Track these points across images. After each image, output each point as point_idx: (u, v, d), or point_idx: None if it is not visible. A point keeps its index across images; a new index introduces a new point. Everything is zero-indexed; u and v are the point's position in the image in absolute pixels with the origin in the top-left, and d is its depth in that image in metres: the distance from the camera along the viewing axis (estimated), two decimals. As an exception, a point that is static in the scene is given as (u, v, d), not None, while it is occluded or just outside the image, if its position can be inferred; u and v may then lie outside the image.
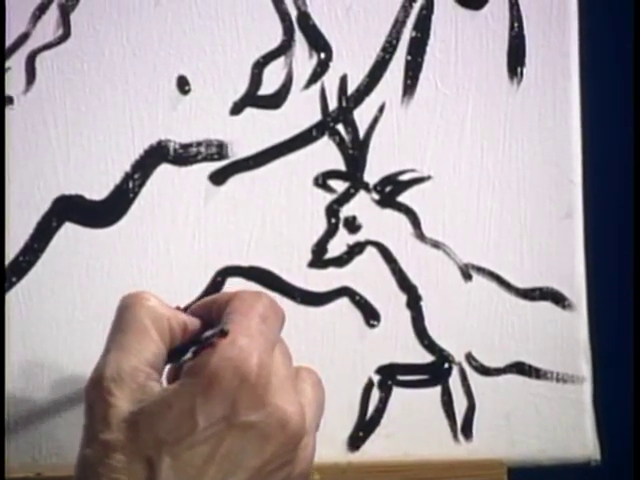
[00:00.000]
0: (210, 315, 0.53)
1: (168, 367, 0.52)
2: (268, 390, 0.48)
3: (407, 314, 0.62)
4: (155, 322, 0.51)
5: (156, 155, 0.60)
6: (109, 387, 0.48)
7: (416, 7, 0.61)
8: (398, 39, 0.61)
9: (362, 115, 0.61)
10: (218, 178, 0.61)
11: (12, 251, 0.60)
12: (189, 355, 0.50)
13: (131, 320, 0.51)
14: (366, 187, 0.61)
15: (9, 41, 0.59)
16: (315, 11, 0.61)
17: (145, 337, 0.50)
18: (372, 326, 0.61)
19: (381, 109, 0.61)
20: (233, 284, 0.61)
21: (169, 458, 0.46)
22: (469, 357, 0.62)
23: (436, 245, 0.62)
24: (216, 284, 0.60)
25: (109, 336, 0.51)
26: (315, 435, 0.51)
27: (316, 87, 0.61)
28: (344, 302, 0.61)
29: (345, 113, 0.61)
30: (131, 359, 0.49)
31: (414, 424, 0.61)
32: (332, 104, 0.61)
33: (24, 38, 0.59)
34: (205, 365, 0.48)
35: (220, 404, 0.47)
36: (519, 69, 0.62)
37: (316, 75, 0.61)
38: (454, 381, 0.62)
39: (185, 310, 0.55)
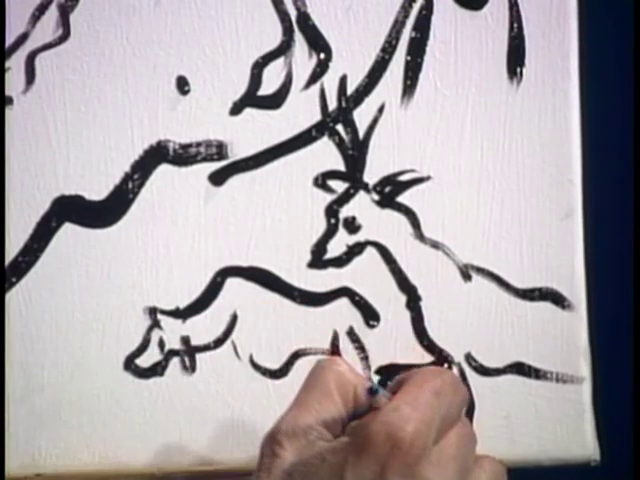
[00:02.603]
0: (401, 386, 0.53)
1: None
2: (421, 462, 0.48)
3: (407, 314, 0.62)
4: (340, 386, 0.52)
5: (156, 155, 0.60)
6: (281, 440, 0.50)
7: (416, 7, 0.61)
8: (398, 39, 0.61)
9: (362, 115, 0.61)
10: (218, 178, 0.61)
11: (12, 251, 0.60)
12: None
13: (317, 381, 0.52)
14: (366, 187, 0.61)
15: (9, 41, 0.59)
16: (315, 11, 0.61)
17: (327, 399, 0.52)
18: (372, 326, 0.61)
19: (381, 109, 0.61)
20: (233, 284, 0.61)
21: None
22: (469, 357, 0.62)
23: (436, 245, 0.62)
24: (216, 284, 0.61)
25: (297, 394, 0.53)
26: None
27: (316, 87, 0.61)
28: (343, 302, 0.61)
29: (345, 113, 0.61)
30: (308, 417, 0.51)
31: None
32: (332, 104, 0.61)
33: (24, 38, 0.59)
34: (362, 427, 0.48)
35: (370, 466, 0.47)
36: (519, 69, 0.62)
37: (316, 75, 0.61)
38: (454, 381, 0.62)
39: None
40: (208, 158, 0.61)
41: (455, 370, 0.62)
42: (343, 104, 0.61)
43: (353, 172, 0.61)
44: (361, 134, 0.61)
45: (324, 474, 0.48)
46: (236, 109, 0.61)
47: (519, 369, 0.62)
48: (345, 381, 0.52)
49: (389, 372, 0.61)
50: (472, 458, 0.51)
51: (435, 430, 0.49)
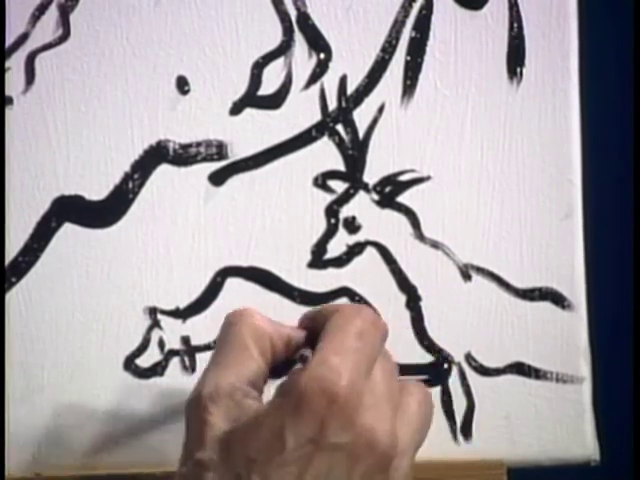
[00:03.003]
0: (315, 326, 0.52)
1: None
2: (358, 410, 0.47)
3: (407, 314, 0.62)
4: (256, 339, 0.51)
5: (156, 155, 0.60)
6: (206, 405, 0.48)
7: (415, 7, 0.61)
8: (398, 39, 0.61)
9: (362, 115, 0.61)
10: (218, 178, 0.61)
11: (12, 251, 0.60)
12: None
13: (232, 338, 0.51)
14: (366, 187, 0.61)
15: (9, 41, 0.59)
16: (315, 11, 0.61)
17: (245, 355, 0.50)
18: (372, 326, 0.61)
19: (381, 109, 0.61)
20: (233, 284, 0.61)
21: (258, 477, 0.46)
22: (469, 357, 0.62)
23: (436, 245, 0.62)
24: (216, 284, 0.61)
25: (212, 354, 0.52)
26: (413, 454, 0.50)
27: (316, 87, 0.61)
28: (344, 302, 0.61)
29: (345, 113, 0.61)
30: (229, 377, 0.49)
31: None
32: (332, 104, 0.61)
33: (24, 38, 0.59)
34: (294, 385, 0.47)
35: (308, 425, 0.47)
36: (519, 69, 0.62)
37: (316, 75, 0.61)
38: (453, 381, 0.62)
39: None
40: (208, 158, 0.61)
41: (455, 370, 0.62)
42: (343, 104, 0.61)
43: (353, 172, 0.61)
44: (361, 134, 0.61)
45: (263, 438, 0.47)
46: (236, 109, 0.61)
47: (519, 369, 0.62)
48: (260, 333, 0.51)
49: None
50: (398, 388, 0.51)
51: (364, 373, 0.48)
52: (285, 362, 0.52)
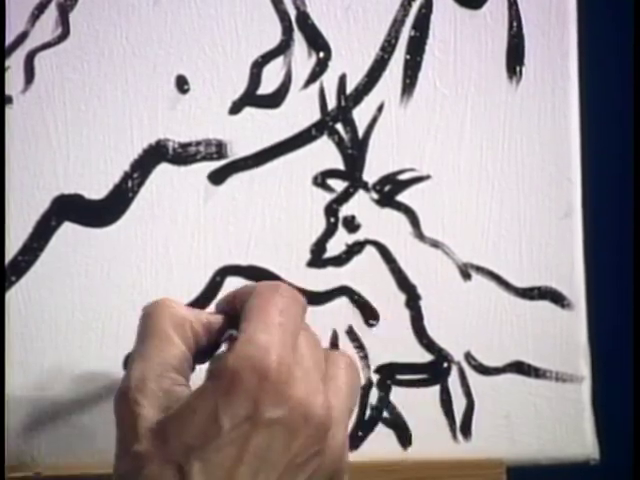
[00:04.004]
0: (234, 309, 0.52)
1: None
2: (290, 384, 0.48)
3: (406, 313, 0.62)
4: (177, 327, 0.51)
5: (155, 154, 0.60)
6: (135, 397, 0.48)
7: (415, 6, 0.61)
8: (397, 38, 0.61)
9: (361, 114, 0.61)
10: (217, 177, 0.61)
11: (11, 250, 0.60)
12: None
13: (152, 328, 0.51)
14: (365, 186, 0.61)
15: (8, 40, 0.59)
16: (314, 11, 0.61)
17: (167, 343, 0.50)
18: (371, 325, 0.61)
19: (380, 108, 0.61)
20: (232, 283, 0.61)
21: (198, 463, 0.46)
22: (468, 356, 0.62)
23: (435, 244, 0.62)
24: (215, 283, 0.61)
25: (134, 347, 0.51)
26: (347, 421, 0.51)
27: (315, 86, 0.61)
28: (343, 301, 0.61)
29: (344, 112, 0.61)
30: (155, 367, 0.49)
31: (413, 423, 0.61)
32: (331, 103, 0.61)
33: (23, 37, 0.59)
34: (224, 366, 0.47)
35: (242, 404, 0.47)
36: (518, 68, 0.62)
37: (315, 74, 0.61)
38: (453, 380, 0.62)
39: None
40: (208, 157, 0.61)
41: (454, 369, 0.62)
42: (342, 103, 0.61)
43: (352, 171, 0.61)
44: (360, 133, 0.61)
45: (198, 423, 0.47)
46: (235, 108, 0.61)
47: (519, 368, 0.62)
48: (180, 320, 0.51)
49: (388, 371, 0.62)
50: (323, 359, 0.51)
51: (291, 347, 0.49)
52: (208, 346, 0.52)
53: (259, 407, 0.47)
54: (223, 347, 0.51)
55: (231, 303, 0.53)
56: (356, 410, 0.61)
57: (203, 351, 0.52)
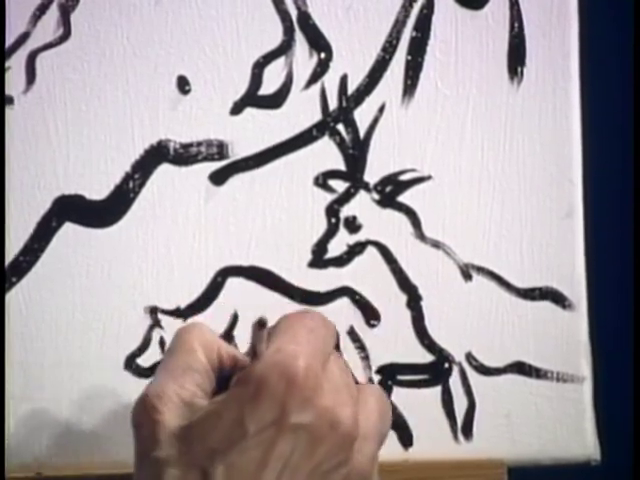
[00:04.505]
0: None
1: None
2: (317, 392, 0.48)
3: (407, 314, 0.62)
4: (204, 346, 0.51)
5: (156, 155, 0.60)
6: (154, 405, 0.48)
7: (416, 7, 0.61)
8: (398, 39, 0.61)
9: (362, 115, 0.61)
10: (218, 178, 0.61)
11: (12, 251, 0.60)
12: None
13: (181, 344, 0.51)
14: (366, 187, 0.61)
15: (9, 41, 0.59)
16: (315, 11, 0.61)
17: (192, 358, 0.50)
18: (372, 326, 0.61)
19: (381, 109, 0.61)
20: (233, 284, 0.61)
21: (222, 466, 0.46)
22: (469, 357, 0.62)
23: (436, 245, 0.62)
24: (216, 284, 0.61)
25: (160, 361, 0.52)
26: (376, 441, 0.51)
27: (316, 87, 0.61)
28: (344, 302, 0.61)
29: (345, 113, 0.61)
30: (177, 378, 0.49)
31: (414, 424, 0.61)
32: (332, 104, 0.61)
33: (24, 38, 0.59)
34: (251, 373, 0.48)
35: (269, 409, 0.47)
36: (519, 69, 0.62)
37: (316, 75, 0.61)
38: (454, 381, 0.62)
39: None
40: (209, 158, 0.61)
41: (456, 370, 0.62)
42: (344, 104, 0.61)
43: (354, 172, 0.61)
44: (362, 134, 0.61)
45: (223, 428, 0.47)
46: (237, 109, 0.61)
47: (520, 368, 0.62)
48: (208, 340, 0.51)
49: (389, 372, 0.62)
50: (354, 386, 0.51)
51: (320, 361, 0.49)
52: (230, 379, 0.51)
53: (285, 412, 0.47)
54: None
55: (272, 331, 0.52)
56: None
57: (226, 380, 0.51)
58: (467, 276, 0.62)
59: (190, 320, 0.60)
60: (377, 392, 0.52)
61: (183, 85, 0.60)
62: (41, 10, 0.59)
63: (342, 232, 0.61)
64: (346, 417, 0.48)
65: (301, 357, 0.48)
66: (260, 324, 0.49)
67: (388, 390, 0.61)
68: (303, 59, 0.61)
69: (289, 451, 0.47)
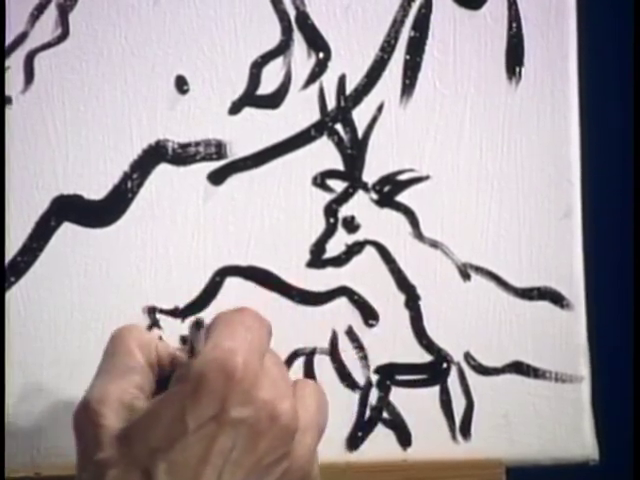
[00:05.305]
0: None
1: None
2: (256, 386, 0.48)
3: (406, 314, 0.62)
4: (142, 347, 0.51)
5: (155, 155, 0.60)
6: (96, 409, 0.48)
7: (415, 7, 0.61)
8: (397, 39, 0.61)
9: (361, 115, 0.61)
10: (217, 178, 0.61)
11: (11, 251, 0.60)
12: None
13: (118, 346, 0.51)
14: (365, 187, 0.61)
15: (8, 40, 0.59)
16: (314, 11, 0.61)
17: (131, 360, 0.51)
18: (371, 326, 0.61)
19: (380, 109, 0.61)
20: (232, 284, 0.61)
21: (164, 464, 0.47)
22: (467, 357, 0.62)
23: (435, 245, 0.62)
24: (215, 284, 0.61)
25: (98, 366, 0.52)
26: (315, 432, 0.51)
27: (315, 87, 0.61)
28: (343, 302, 0.61)
29: (344, 113, 0.61)
30: (117, 381, 0.50)
31: (412, 424, 0.61)
32: (331, 104, 0.61)
33: (23, 38, 0.59)
34: (190, 370, 0.48)
35: (208, 404, 0.47)
36: (517, 69, 0.62)
37: (315, 75, 0.61)
38: (452, 381, 0.62)
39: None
40: (207, 157, 0.61)
41: (454, 370, 0.62)
42: (342, 103, 0.61)
43: (352, 171, 0.61)
44: (360, 133, 0.61)
45: (163, 427, 0.47)
46: (235, 108, 0.61)
47: (518, 368, 0.62)
48: (146, 341, 0.52)
49: (388, 372, 0.62)
50: (289, 378, 0.51)
51: (257, 356, 0.49)
52: (168, 378, 0.51)
53: (225, 406, 0.47)
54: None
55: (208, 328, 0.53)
56: (355, 411, 0.61)
57: (165, 380, 0.51)
58: (465, 276, 0.62)
59: (188, 320, 0.60)
60: (313, 386, 0.53)
61: (181, 85, 0.60)
62: (39, 10, 0.59)
63: (340, 232, 0.61)
64: (285, 410, 0.48)
65: (239, 353, 0.48)
66: (197, 324, 0.50)
67: (387, 390, 0.61)
68: (301, 59, 0.61)
69: (230, 446, 0.47)
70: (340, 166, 0.61)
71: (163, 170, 0.60)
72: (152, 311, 0.60)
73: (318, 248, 0.61)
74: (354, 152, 0.61)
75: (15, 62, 0.59)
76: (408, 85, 0.62)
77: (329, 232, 0.61)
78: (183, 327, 0.60)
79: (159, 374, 0.51)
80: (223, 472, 0.47)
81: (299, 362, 0.61)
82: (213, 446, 0.47)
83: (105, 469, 0.47)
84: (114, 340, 0.52)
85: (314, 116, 0.61)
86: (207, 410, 0.47)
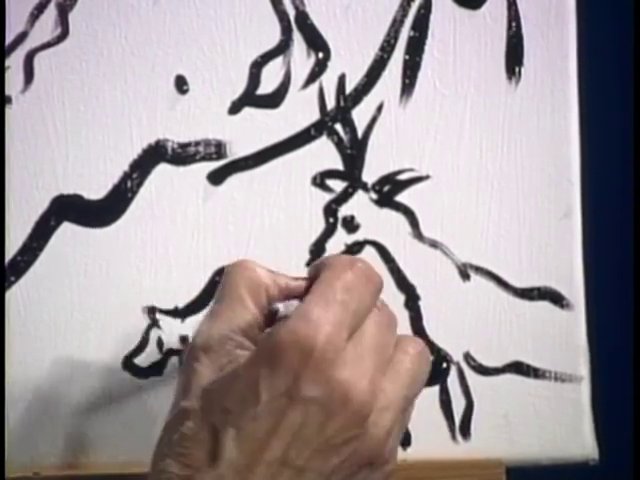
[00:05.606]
0: (316, 277, 0.51)
1: None
2: (334, 365, 0.47)
3: (405, 314, 0.62)
4: (251, 290, 0.51)
5: (154, 155, 0.60)
6: (197, 355, 0.49)
7: (414, 6, 0.61)
8: (396, 38, 0.61)
9: (360, 115, 0.61)
10: (216, 178, 0.61)
11: (11, 250, 0.60)
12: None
13: (227, 289, 0.51)
14: (364, 187, 0.61)
15: (7, 40, 0.59)
16: (313, 11, 0.61)
17: (239, 305, 0.50)
18: (370, 326, 0.61)
19: (379, 108, 0.61)
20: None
21: (233, 429, 0.47)
22: (467, 357, 0.62)
23: (434, 245, 0.62)
24: (214, 283, 0.60)
25: (211, 303, 0.52)
26: (398, 409, 0.49)
27: (314, 87, 0.61)
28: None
29: (343, 113, 0.61)
30: (222, 327, 0.50)
31: (412, 424, 0.61)
32: (330, 104, 0.61)
33: (22, 37, 0.59)
34: (272, 337, 0.47)
35: (282, 378, 0.47)
36: (517, 69, 0.62)
37: (314, 74, 0.61)
38: (452, 381, 0.62)
39: None
40: (207, 157, 0.61)
41: (454, 370, 0.62)
42: (342, 103, 0.61)
43: (352, 171, 0.61)
44: (360, 133, 0.61)
45: (239, 390, 0.47)
46: (235, 108, 0.61)
47: (518, 368, 0.62)
48: (256, 284, 0.51)
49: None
50: (392, 343, 0.50)
51: (347, 328, 0.48)
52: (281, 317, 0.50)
53: (298, 383, 0.46)
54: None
55: (317, 270, 0.51)
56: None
57: (273, 315, 0.51)
58: (465, 276, 0.62)
59: (188, 320, 0.60)
60: (415, 348, 0.51)
61: (181, 85, 0.60)
62: (39, 9, 0.59)
63: (340, 232, 0.61)
64: (361, 392, 0.47)
65: (323, 327, 0.47)
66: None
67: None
68: (301, 59, 0.61)
69: (299, 423, 0.47)
70: (340, 166, 0.61)
71: (163, 170, 0.60)
72: (152, 311, 0.60)
73: (318, 248, 0.61)
74: (354, 152, 0.61)
75: (15, 62, 0.59)
76: (408, 85, 0.62)
77: (329, 232, 0.61)
78: (183, 327, 0.60)
79: (270, 311, 0.51)
80: (290, 448, 0.47)
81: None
82: (283, 421, 0.47)
83: (184, 419, 0.47)
84: (225, 281, 0.51)
85: (314, 116, 0.61)
86: (280, 384, 0.46)
